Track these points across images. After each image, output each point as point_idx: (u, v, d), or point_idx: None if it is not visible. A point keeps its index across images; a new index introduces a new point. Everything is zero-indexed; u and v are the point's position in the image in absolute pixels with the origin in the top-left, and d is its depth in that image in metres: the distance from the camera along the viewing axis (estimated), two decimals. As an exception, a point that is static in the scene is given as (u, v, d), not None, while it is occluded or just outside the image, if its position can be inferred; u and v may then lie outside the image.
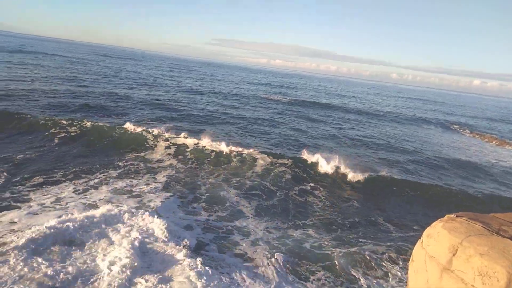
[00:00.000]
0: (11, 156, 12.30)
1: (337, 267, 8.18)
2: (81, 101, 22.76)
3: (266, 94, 45.80)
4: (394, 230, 10.82)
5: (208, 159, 14.48)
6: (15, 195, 9.38)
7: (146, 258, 7.23)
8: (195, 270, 6.86)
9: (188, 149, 15.12)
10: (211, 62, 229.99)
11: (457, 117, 53.23)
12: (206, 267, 7.00)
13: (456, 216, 4.82)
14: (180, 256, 7.33)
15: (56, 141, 14.62)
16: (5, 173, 10.63)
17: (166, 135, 16.17)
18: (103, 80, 36.16)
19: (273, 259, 8.03)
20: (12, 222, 7.91)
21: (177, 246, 7.70)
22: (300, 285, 7.32)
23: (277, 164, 14.64)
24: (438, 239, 4.51)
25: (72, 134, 15.35)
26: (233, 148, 15.50)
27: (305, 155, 15.71)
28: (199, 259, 7.19)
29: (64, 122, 16.07)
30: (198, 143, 15.68)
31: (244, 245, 8.58)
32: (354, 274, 7.97)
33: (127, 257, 6.96)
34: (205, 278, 6.68)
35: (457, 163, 19.89)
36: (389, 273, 8.18)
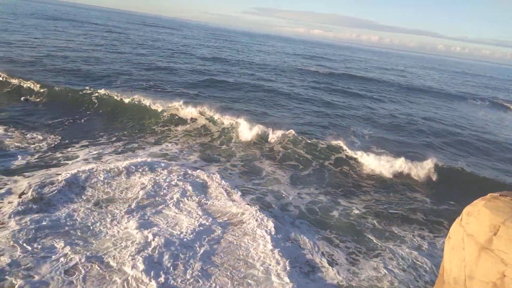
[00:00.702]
0: (62, 121, 13.71)
1: (366, 236, 8.27)
2: (120, 69, 23.66)
3: (302, 65, 44.75)
4: (430, 204, 10.64)
5: (240, 128, 14.54)
6: (64, 155, 10.35)
7: (210, 212, 8.17)
8: (267, 227, 7.68)
9: (221, 118, 15.25)
10: (249, 32, 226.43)
11: (508, 93, 49.45)
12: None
13: (500, 195, 4.63)
14: (247, 215, 8.16)
15: (99, 108, 15.57)
16: (58, 136, 11.90)
17: (200, 104, 16.40)
18: (142, 49, 36.87)
19: (302, 223, 8.46)
20: (58, 174, 8.84)
21: (239, 205, 8.58)
22: (329, 249, 7.51)
23: (313, 135, 14.55)
24: (478, 218, 4.38)
25: (113, 102, 16.16)
26: (266, 119, 15.51)
27: (340, 129, 15.44)
28: (264, 216, 8.03)
29: (106, 92, 16.84)
30: (230, 113, 15.78)
31: (276, 208, 9.03)
32: (384, 245, 7.99)
33: (194, 214, 7.90)
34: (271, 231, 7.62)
35: (504, 144, 18.71)
36: (421, 248, 8.10)
